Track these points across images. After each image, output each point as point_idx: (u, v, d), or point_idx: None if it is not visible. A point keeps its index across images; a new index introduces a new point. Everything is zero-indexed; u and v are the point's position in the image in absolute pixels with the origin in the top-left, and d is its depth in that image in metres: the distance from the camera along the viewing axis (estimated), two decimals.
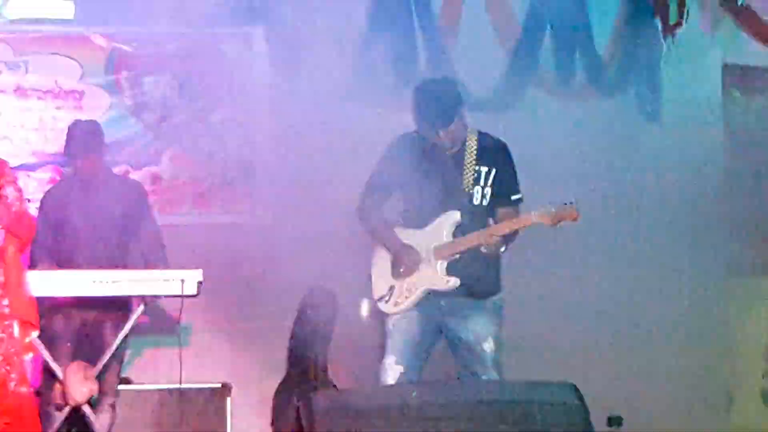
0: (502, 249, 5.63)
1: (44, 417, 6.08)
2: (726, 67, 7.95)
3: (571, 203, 5.53)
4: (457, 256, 5.62)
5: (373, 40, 7.42)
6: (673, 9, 7.58)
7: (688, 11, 7.62)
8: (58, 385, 6.12)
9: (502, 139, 5.80)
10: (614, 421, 6.95)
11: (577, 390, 4.43)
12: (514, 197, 5.73)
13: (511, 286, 5.82)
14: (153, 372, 6.92)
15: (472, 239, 5.59)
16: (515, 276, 5.91)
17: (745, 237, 7.59)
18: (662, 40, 7.69)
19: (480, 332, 5.65)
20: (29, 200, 7.02)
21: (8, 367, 5.06)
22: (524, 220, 5.62)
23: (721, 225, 7.63)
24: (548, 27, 7.67)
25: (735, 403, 7.56)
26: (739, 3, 7.73)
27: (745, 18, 7.81)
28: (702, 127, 7.71)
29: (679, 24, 7.63)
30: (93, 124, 6.55)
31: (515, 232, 5.63)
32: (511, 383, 4.91)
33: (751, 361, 7.53)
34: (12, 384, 5.06)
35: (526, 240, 5.78)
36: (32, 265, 6.31)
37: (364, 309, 6.24)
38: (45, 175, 7.22)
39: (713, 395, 7.39)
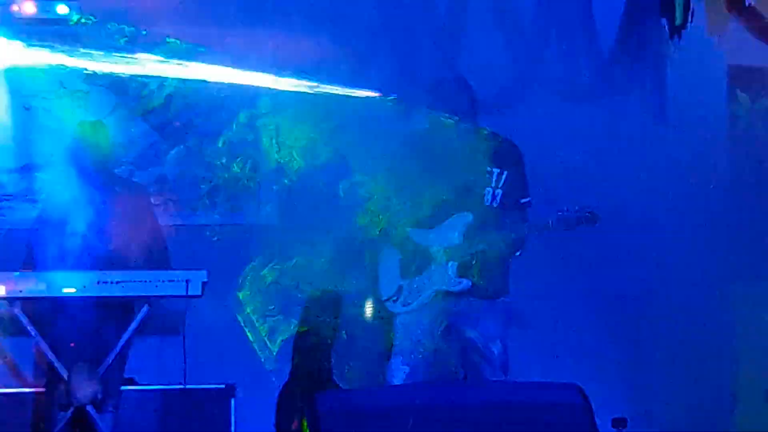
0: (517, 253, 5.63)
1: (48, 417, 6.08)
2: (731, 68, 7.93)
3: (590, 210, 5.53)
4: (469, 257, 5.62)
5: (378, 39, 7.41)
6: (678, 9, 7.56)
7: (693, 12, 7.60)
8: (62, 386, 6.12)
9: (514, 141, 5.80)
10: (619, 422, 6.94)
11: (582, 391, 4.43)
12: (522, 200, 5.73)
13: (517, 287, 5.82)
14: (157, 373, 6.90)
15: (486, 241, 5.58)
16: (521, 277, 5.91)
17: (750, 239, 7.57)
18: (668, 41, 7.67)
19: (488, 333, 5.65)
20: (34, 201, 7.04)
21: None
22: (542, 226, 5.61)
23: (726, 226, 7.61)
24: (553, 27, 7.65)
25: (739, 405, 7.54)
26: (746, 4, 7.71)
27: (751, 19, 7.79)
28: (707, 128, 7.69)
29: (684, 25, 7.61)
30: (98, 124, 6.55)
31: (526, 237, 5.63)
32: (517, 384, 4.90)
33: (755, 363, 7.51)
34: None
35: (531, 241, 5.77)
36: (30, 264, 6.31)
37: (369, 309, 6.23)
38: (49, 176, 7.20)
39: (718, 397, 7.37)
